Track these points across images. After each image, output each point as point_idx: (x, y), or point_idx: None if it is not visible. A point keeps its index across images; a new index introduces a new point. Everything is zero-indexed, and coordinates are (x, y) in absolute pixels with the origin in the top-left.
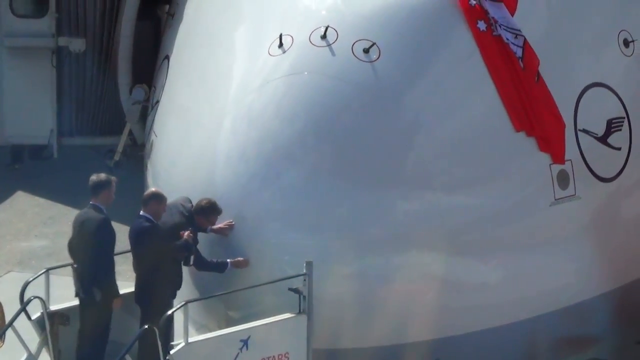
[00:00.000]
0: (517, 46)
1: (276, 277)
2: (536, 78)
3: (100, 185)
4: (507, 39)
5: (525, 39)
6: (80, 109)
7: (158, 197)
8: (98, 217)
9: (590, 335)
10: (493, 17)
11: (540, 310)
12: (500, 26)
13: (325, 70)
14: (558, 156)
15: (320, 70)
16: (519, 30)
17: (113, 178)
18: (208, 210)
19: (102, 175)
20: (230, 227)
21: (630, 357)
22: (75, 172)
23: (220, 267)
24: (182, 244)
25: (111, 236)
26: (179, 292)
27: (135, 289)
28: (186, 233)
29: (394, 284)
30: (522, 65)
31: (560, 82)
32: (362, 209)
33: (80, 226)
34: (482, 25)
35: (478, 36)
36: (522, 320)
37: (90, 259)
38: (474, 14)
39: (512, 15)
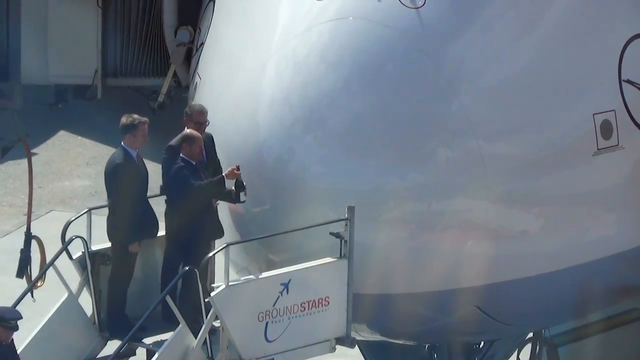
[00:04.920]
0: None
1: (318, 221)
2: None
3: (124, 128)
4: None
5: None
6: (125, 50)
7: (186, 139)
8: (112, 160)
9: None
10: None
11: (583, 259)
12: None
13: (371, 16)
14: None
15: (365, 16)
16: None
17: (141, 121)
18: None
19: (128, 118)
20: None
21: None
22: (118, 112)
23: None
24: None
25: (122, 180)
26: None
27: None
28: (230, 169)
29: (435, 231)
30: None
31: (605, 32)
32: (404, 156)
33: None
34: None
35: None
36: (564, 269)
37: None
38: None
39: None
